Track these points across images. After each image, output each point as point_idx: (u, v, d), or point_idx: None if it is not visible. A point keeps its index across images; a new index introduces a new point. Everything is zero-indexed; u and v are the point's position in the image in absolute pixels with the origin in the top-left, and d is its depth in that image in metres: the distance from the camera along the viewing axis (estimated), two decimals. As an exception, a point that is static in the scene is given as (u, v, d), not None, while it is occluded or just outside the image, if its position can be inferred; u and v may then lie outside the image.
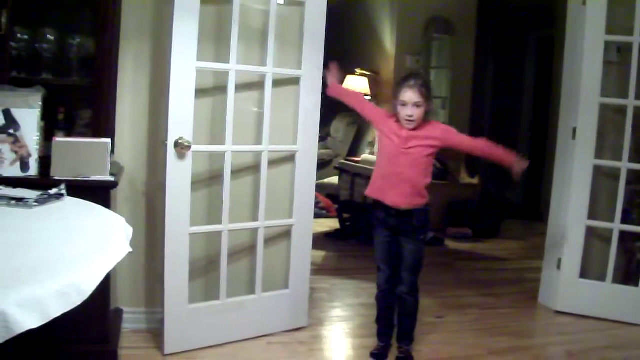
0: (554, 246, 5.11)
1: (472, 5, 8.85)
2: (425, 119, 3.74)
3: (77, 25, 3.76)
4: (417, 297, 3.97)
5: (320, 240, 6.97)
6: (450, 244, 7.22)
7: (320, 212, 7.96)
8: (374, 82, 8.78)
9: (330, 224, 7.68)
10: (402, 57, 8.55)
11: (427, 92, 3.68)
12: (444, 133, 3.77)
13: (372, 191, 3.91)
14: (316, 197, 7.21)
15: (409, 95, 3.64)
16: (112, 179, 3.44)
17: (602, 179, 5.01)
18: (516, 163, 3.77)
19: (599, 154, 4.88)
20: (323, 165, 9.01)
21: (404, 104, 3.66)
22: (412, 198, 3.75)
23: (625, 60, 4.81)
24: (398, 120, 3.75)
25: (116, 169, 3.64)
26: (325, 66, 4.14)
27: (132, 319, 4.08)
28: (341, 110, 9.78)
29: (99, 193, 3.28)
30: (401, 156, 3.72)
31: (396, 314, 4.03)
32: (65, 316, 1.62)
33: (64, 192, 2.74)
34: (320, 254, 6.49)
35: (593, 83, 4.76)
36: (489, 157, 3.83)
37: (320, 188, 7.52)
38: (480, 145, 3.83)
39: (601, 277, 4.94)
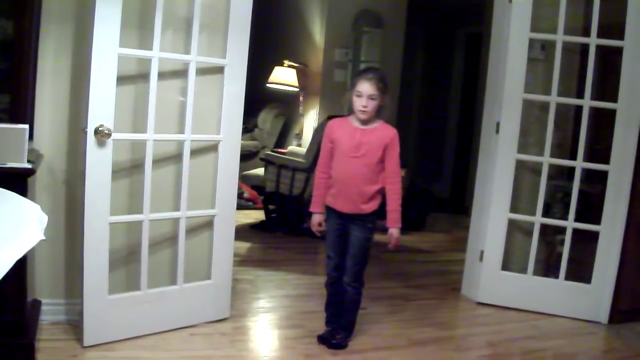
0: (476, 239, 5.18)
1: (402, -1, 8.89)
2: (379, 115, 3.89)
3: (-5, 6, 3.65)
4: (358, 290, 4.03)
5: (246, 232, 6.96)
6: (376, 236, 7.23)
7: (245, 204, 7.94)
8: (302, 74, 8.75)
9: (256, 216, 7.65)
10: (331, 50, 8.53)
11: (383, 87, 3.80)
12: (392, 141, 3.88)
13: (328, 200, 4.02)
14: (241, 188, 7.19)
15: (365, 87, 3.77)
16: (29, 166, 3.33)
17: (526, 173, 5.12)
18: (394, 231, 4.01)
19: (524, 150, 4.98)
20: (250, 156, 8.98)
21: (360, 95, 3.78)
22: (362, 204, 3.93)
23: (549, 58, 4.90)
24: (351, 120, 3.91)
25: (34, 156, 3.54)
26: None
27: (50, 311, 3.97)
28: (269, 102, 9.74)
29: (15, 180, 3.18)
30: (353, 160, 3.85)
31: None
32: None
33: (-24, 178, 2.65)
34: (245, 245, 6.46)
35: (517, 79, 4.84)
36: (387, 199, 3.94)
37: (246, 179, 7.48)
38: (392, 186, 3.91)
39: (522, 269, 5.04)
